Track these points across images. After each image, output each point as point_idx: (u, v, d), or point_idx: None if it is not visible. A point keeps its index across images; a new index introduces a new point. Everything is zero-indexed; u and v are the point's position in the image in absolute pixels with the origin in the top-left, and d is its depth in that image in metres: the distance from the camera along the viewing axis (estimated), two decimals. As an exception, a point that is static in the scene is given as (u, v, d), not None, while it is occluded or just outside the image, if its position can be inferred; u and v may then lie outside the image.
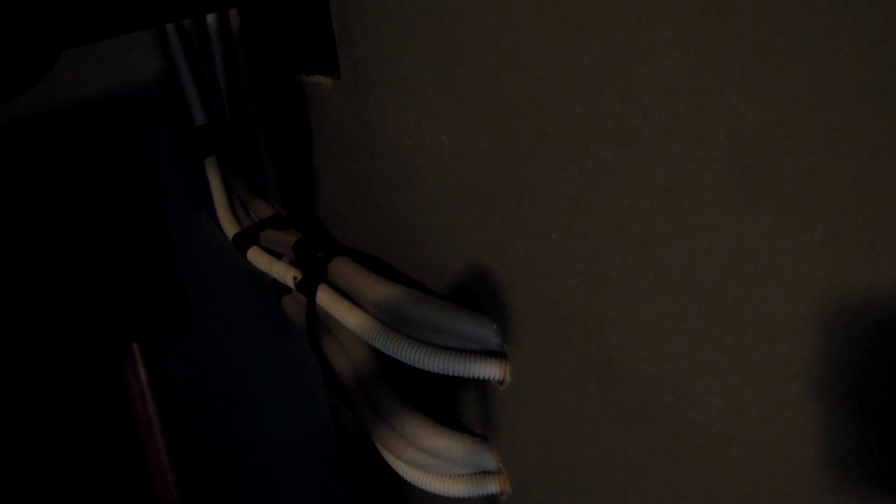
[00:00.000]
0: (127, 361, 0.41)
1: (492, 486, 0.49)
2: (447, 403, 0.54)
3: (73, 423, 0.72)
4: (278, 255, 0.65)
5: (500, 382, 0.44)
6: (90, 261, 0.39)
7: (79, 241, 0.39)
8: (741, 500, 0.27)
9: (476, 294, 0.45)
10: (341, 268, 0.50)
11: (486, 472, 0.49)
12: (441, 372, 0.44)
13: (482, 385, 0.48)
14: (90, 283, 0.39)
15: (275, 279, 0.78)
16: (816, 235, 0.21)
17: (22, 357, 0.38)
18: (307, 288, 0.55)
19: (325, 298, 0.52)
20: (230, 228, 0.70)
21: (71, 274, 0.39)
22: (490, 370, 0.43)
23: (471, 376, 0.43)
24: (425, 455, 0.50)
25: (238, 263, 0.97)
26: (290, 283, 0.58)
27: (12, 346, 0.37)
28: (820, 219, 0.21)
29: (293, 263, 0.60)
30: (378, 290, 0.45)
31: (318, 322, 0.62)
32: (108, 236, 0.40)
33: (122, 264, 0.40)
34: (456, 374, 0.44)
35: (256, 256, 0.64)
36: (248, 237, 0.67)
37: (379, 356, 0.56)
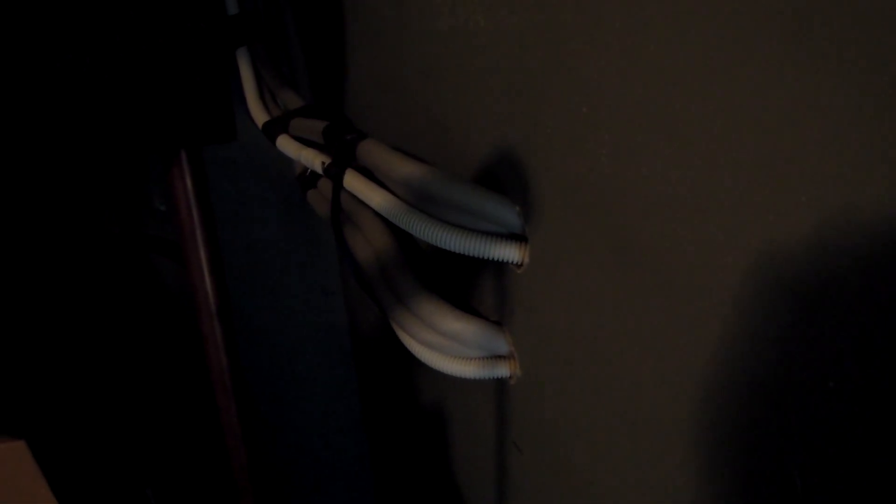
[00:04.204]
0: (175, 170, 0.42)
1: (502, 370, 0.51)
2: (465, 290, 0.56)
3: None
4: (307, 144, 0.65)
5: (519, 266, 0.45)
6: (144, 59, 0.39)
7: (135, 37, 0.38)
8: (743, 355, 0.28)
9: (501, 178, 0.46)
10: (370, 147, 0.51)
11: (498, 356, 0.51)
12: (463, 252, 0.45)
13: (500, 270, 0.49)
14: (144, 82, 0.39)
15: (300, 174, 0.80)
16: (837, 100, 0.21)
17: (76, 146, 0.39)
18: (335, 172, 0.56)
19: (352, 181, 0.53)
20: (260, 117, 0.70)
21: (125, 70, 0.39)
22: (510, 252, 0.44)
23: (491, 257, 0.45)
24: (440, 337, 0.51)
25: (266, 166, 0.98)
26: (318, 168, 0.59)
27: (65, 134, 0.38)
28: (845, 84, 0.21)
29: (322, 150, 0.61)
30: (405, 167, 0.46)
31: (342, 214, 0.63)
32: (163, 34, 0.39)
33: (175, 63, 0.39)
34: (477, 255, 0.45)
35: (285, 143, 0.65)
36: (277, 125, 0.67)
37: (401, 244, 0.57)
